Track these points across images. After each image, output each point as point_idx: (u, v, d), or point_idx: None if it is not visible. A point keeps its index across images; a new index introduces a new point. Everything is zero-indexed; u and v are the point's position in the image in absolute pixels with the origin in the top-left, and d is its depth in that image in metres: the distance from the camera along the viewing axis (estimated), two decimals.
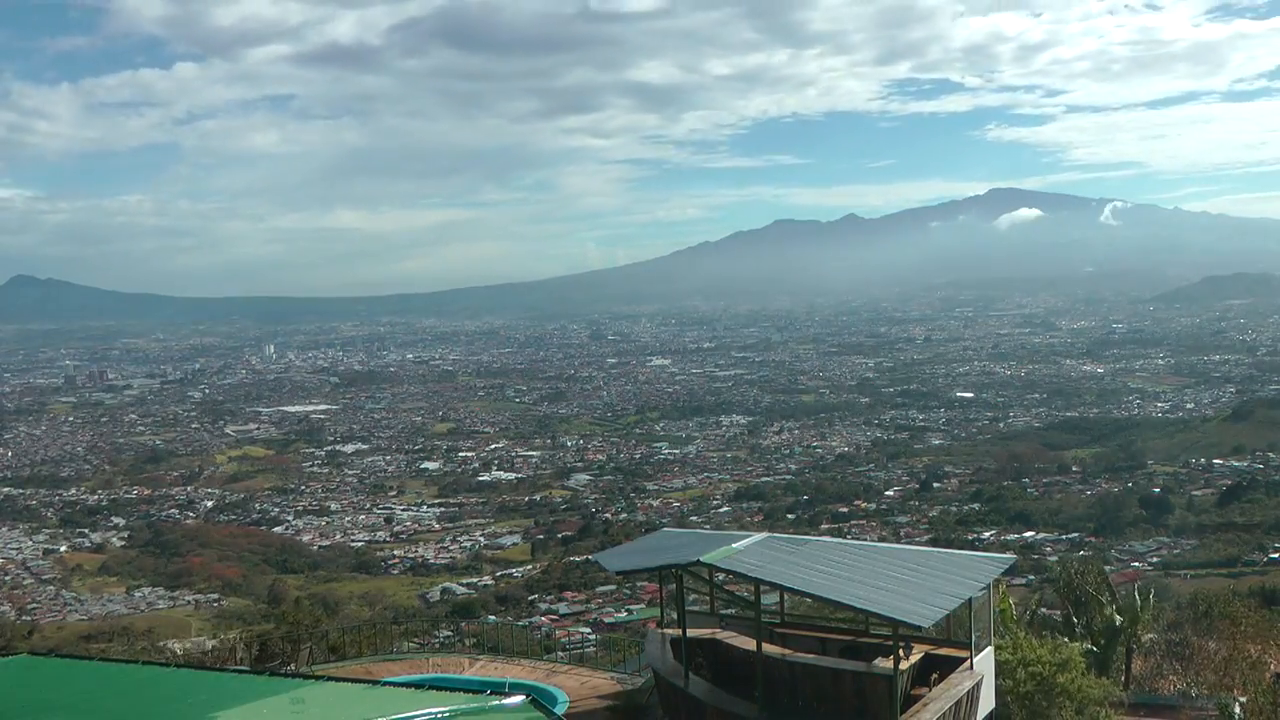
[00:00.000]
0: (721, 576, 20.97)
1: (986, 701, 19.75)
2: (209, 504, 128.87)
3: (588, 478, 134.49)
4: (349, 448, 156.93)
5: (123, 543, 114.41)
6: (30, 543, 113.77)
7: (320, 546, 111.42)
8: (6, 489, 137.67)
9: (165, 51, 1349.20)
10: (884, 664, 18.31)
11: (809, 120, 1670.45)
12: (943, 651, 19.87)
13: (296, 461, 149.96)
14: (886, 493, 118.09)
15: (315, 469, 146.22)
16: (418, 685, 18.53)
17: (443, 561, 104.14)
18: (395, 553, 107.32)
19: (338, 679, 15.16)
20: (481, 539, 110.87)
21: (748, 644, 19.89)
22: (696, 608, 23.95)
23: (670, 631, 21.55)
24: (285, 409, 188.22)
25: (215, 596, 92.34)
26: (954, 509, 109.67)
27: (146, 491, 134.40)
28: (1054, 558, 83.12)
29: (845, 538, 68.63)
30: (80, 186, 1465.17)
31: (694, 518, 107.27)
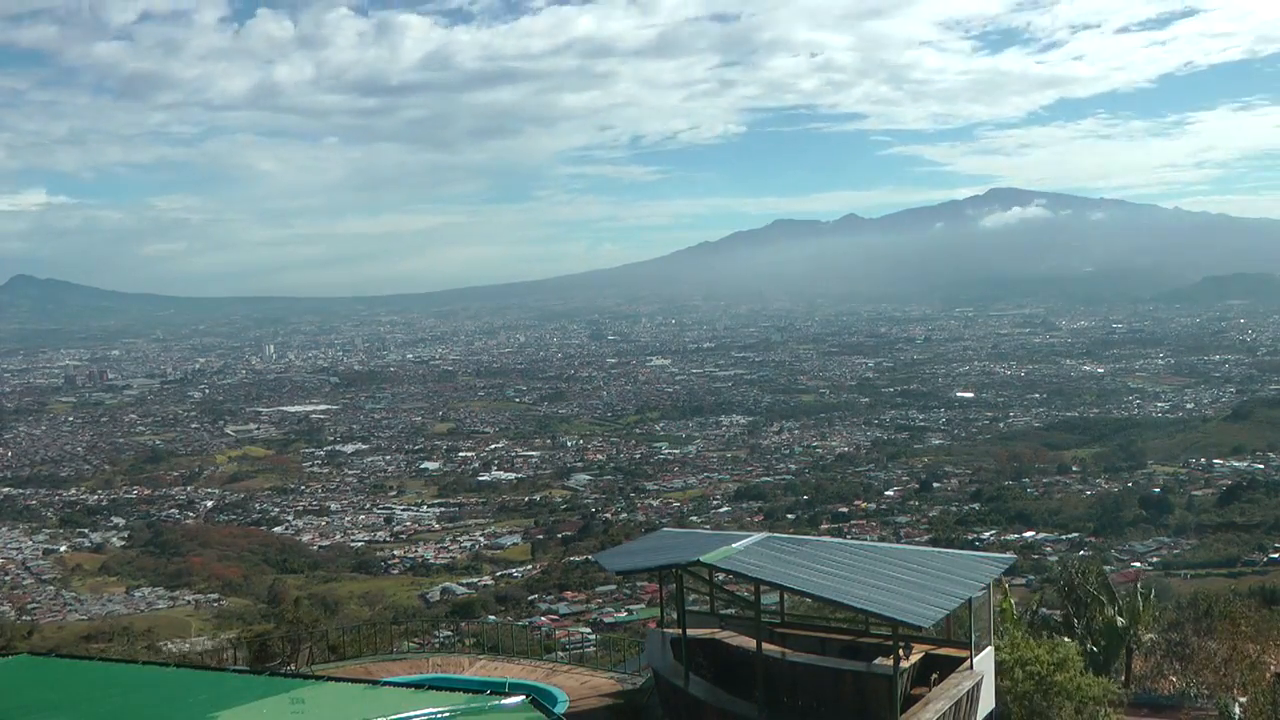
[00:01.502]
0: (721, 576, 20.97)
1: (986, 701, 19.75)
2: (209, 504, 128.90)
3: (588, 478, 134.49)
4: (349, 448, 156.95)
5: (123, 543, 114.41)
6: (30, 543, 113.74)
7: (320, 546, 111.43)
8: (6, 489, 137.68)
9: (169, 77, 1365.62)
10: (884, 664, 18.32)
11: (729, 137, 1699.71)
12: (943, 651, 19.87)
13: (296, 461, 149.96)
14: (886, 493, 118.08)
15: (315, 469, 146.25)
16: (418, 685, 18.52)
17: (443, 561, 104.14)
18: (395, 553, 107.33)
19: (338, 679, 15.16)
20: (481, 539, 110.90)
21: (748, 644, 19.88)
22: (696, 608, 23.95)
23: (670, 631, 21.54)
24: (285, 409, 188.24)
25: (215, 596, 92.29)
26: (954, 509, 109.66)
27: (146, 491, 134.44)
28: (1054, 558, 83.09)
29: (845, 538, 68.64)
30: (83, 192, 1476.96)
31: (694, 518, 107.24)
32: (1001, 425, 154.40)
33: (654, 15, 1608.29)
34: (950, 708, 18.15)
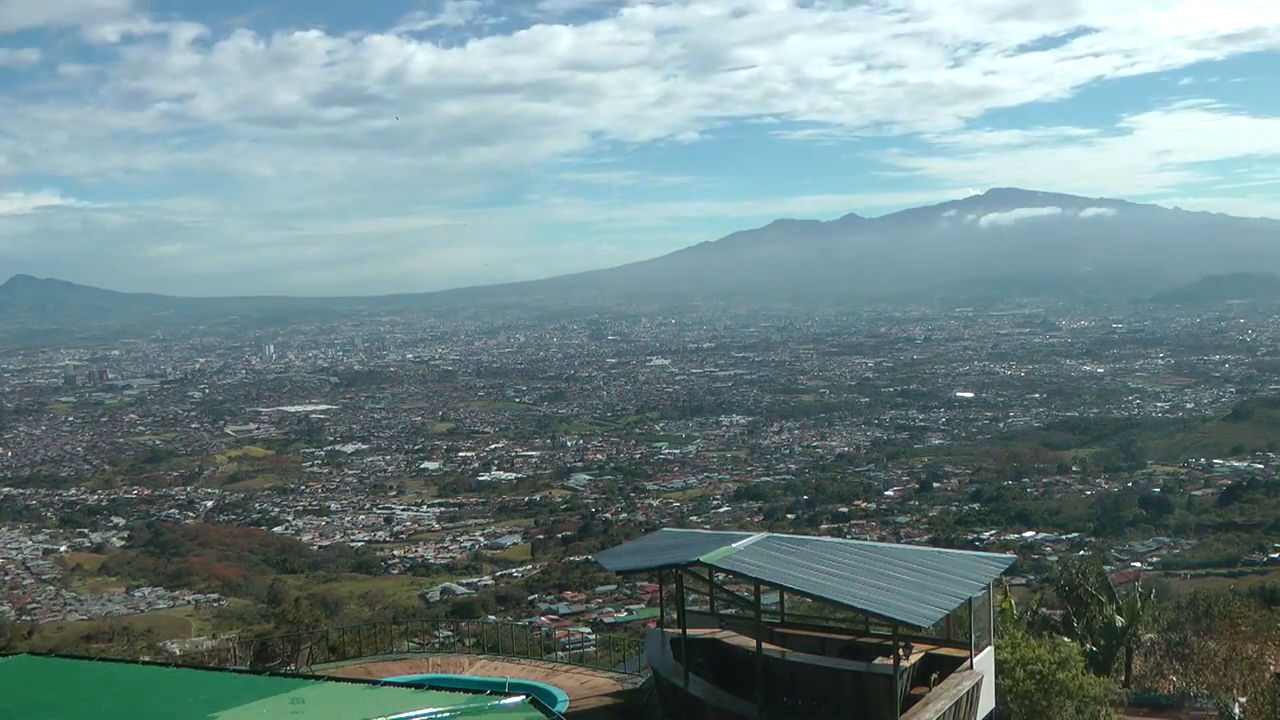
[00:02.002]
0: (721, 576, 20.97)
1: (986, 701, 19.76)
2: (209, 504, 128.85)
3: (588, 478, 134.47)
4: (349, 448, 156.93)
5: (123, 543, 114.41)
6: (30, 543, 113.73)
7: (320, 546, 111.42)
8: (6, 489, 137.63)
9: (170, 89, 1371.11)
10: (884, 664, 18.33)
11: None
12: (943, 651, 19.88)
13: (296, 461, 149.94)
14: (886, 493, 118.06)
15: (315, 469, 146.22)
16: (418, 685, 18.53)
17: (443, 561, 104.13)
18: (395, 553, 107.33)
19: (338, 679, 15.16)
20: (481, 539, 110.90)
21: (748, 644, 19.90)
22: (696, 608, 23.97)
23: (670, 631, 21.55)
24: (285, 409, 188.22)
25: (215, 596, 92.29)
26: (954, 509, 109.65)
27: (146, 491, 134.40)
28: (1054, 558, 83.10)
29: (845, 538, 68.64)
30: (84, 194, 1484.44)
31: (694, 518, 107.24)
32: (1001, 425, 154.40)
33: (628, 33, 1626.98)
34: (950, 708, 18.16)
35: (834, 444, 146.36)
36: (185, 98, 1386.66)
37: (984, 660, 19.91)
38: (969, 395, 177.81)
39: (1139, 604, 26.25)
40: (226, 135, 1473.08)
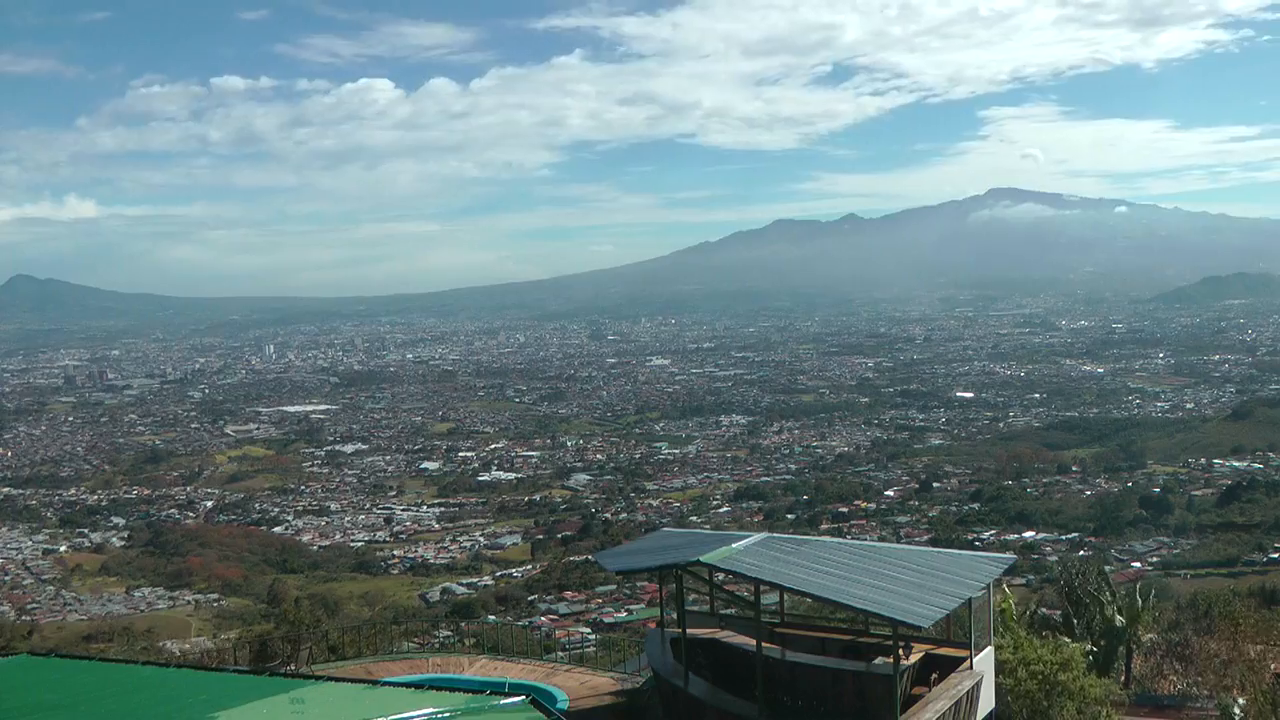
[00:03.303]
0: (721, 576, 20.95)
1: (986, 701, 19.75)
2: (209, 504, 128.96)
3: (588, 478, 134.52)
4: (349, 448, 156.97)
5: (123, 543, 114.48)
6: (30, 543, 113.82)
7: (320, 546, 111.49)
8: (6, 489, 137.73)
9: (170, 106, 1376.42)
10: (884, 664, 18.32)
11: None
12: (943, 651, 19.87)
13: (296, 461, 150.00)
14: (886, 493, 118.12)
15: (315, 469, 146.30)
16: (418, 685, 18.50)
17: (443, 561, 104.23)
18: (395, 553, 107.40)
19: (338, 679, 15.13)
20: (481, 539, 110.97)
21: (748, 644, 19.89)
22: (696, 608, 23.98)
23: (670, 631, 21.55)
24: (285, 409, 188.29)
25: (215, 596, 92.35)
26: (954, 509, 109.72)
27: (146, 491, 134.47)
28: (1054, 558, 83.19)
29: (845, 538, 68.63)
30: (86, 197, 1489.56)
31: (694, 518, 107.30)
32: (1001, 425, 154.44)
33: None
34: (950, 707, 18.15)
35: (834, 444, 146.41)
36: (180, 118, 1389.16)
37: (984, 660, 19.91)
38: (969, 395, 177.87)
39: (1139, 604, 26.24)
40: (226, 147, 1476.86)
